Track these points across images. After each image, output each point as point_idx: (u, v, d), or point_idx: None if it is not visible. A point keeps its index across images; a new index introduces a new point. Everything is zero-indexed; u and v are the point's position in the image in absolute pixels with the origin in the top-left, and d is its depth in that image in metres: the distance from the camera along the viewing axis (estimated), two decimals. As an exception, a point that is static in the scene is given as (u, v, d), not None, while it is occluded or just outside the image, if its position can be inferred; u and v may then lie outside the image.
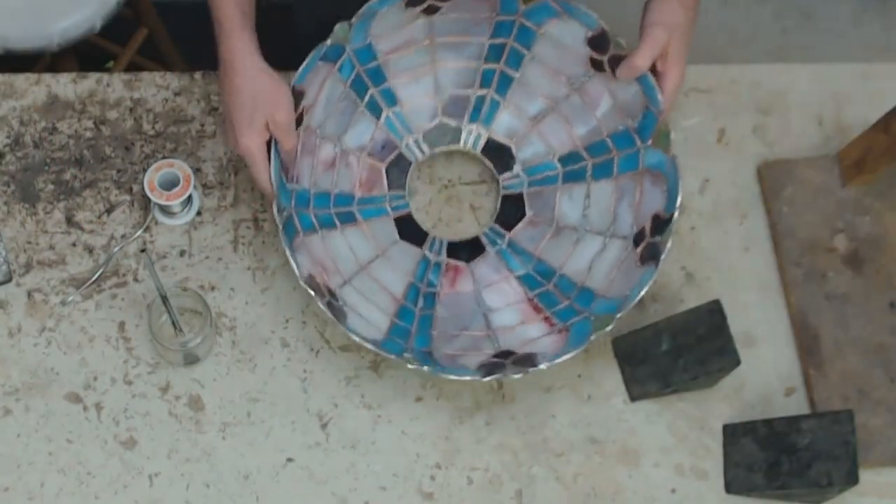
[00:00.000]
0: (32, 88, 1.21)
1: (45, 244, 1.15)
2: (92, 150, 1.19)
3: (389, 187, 1.18)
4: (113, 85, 1.22)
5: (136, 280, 1.14)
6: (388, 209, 1.17)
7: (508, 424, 1.12)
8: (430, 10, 1.13)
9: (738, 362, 1.05)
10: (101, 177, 1.18)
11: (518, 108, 1.18)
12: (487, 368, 1.04)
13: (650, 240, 1.07)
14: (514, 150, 1.18)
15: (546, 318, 1.10)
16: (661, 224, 1.06)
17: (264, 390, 1.11)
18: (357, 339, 1.03)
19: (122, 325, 1.12)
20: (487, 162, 1.19)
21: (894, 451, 1.10)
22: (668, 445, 1.12)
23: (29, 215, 1.16)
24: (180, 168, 1.12)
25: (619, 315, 1.04)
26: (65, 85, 1.21)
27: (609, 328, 1.03)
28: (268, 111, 1.03)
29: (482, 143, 1.19)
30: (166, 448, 1.09)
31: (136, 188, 1.18)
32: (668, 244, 1.04)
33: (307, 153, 1.12)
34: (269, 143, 1.05)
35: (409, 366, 1.03)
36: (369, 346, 1.02)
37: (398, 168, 1.18)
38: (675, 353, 1.08)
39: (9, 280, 1.13)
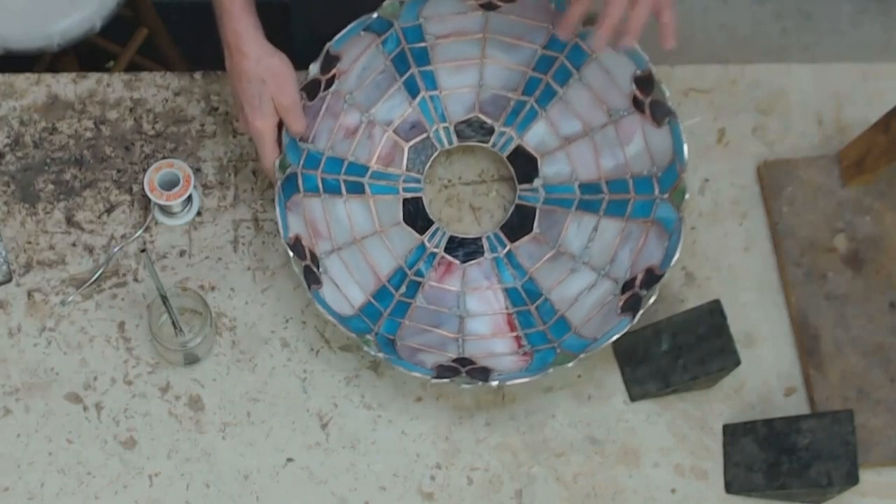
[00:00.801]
0: (32, 88, 1.21)
1: (45, 244, 1.15)
2: (92, 150, 1.19)
3: (407, 168, 1.18)
4: (113, 85, 1.22)
5: (136, 280, 1.14)
6: (400, 189, 1.17)
7: (508, 424, 1.12)
8: (489, 7, 1.13)
9: (738, 362, 1.06)
10: (101, 177, 1.18)
11: (554, 124, 1.17)
12: (440, 370, 1.05)
13: (637, 291, 1.06)
14: (539, 164, 1.18)
15: (517, 338, 1.11)
16: (652, 278, 1.05)
17: (264, 390, 1.11)
18: (324, 311, 1.04)
19: (122, 325, 1.12)
20: (510, 168, 1.18)
21: (894, 451, 1.10)
22: (668, 445, 1.12)
23: (29, 215, 1.16)
24: (180, 168, 1.12)
25: (582, 356, 1.03)
26: (65, 85, 1.21)
27: (569, 365, 1.03)
28: (275, 92, 1.04)
29: (510, 148, 1.19)
30: (166, 448, 1.09)
31: (136, 188, 1.18)
32: (651, 300, 1.03)
33: (330, 116, 1.13)
34: (280, 124, 1.07)
35: (366, 348, 1.04)
36: (333, 321, 1.04)
37: (419, 151, 1.18)
38: (675, 353, 1.08)
39: (9, 280, 1.13)
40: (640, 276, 1.07)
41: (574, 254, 1.13)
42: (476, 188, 1.21)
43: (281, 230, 1.06)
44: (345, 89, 1.13)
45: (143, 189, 1.14)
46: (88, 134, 1.20)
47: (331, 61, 1.09)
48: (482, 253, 1.16)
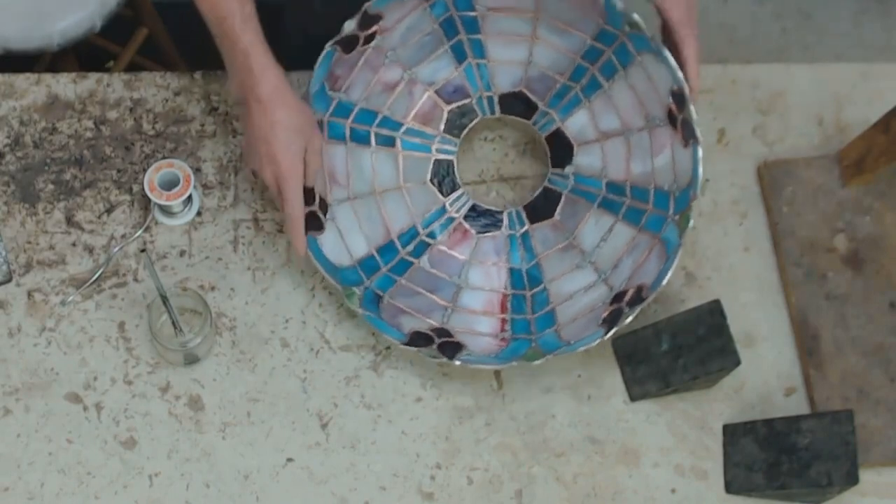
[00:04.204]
0: (32, 88, 1.21)
1: (45, 244, 1.15)
2: (92, 150, 1.19)
3: (444, 130, 1.18)
4: (113, 85, 1.22)
5: (136, 280, 1.14)
6: (433, 149, 1.18)
7: (508, 424, 1.12)
8: None
9: (738, 362, 1.06)
10: (101, 177, 1.18)
11: (595, 116, 1.17)
12: (413, 337, 1.07)
13: (622, 306, 1.06)
14: (574, 151, 1.17)
15: (503, 321, 1.11)
16: (638, 298, 1.05)
17: (264, 390, 1.11)
18: (315, 260, 1.06)
19: (122, 325, 1.12)
20: (547, 148, 1.18)
21: (894, 451, 1.11)
22: (668, 445, 1.12)
23: (29, 215, 1.16)
24: (180, 168, 1.12)
25: (549, 357, 1.04)
26: (65, 85, 1.21)
27: (535, 363, 1.04)
28: (307, 141, 1.05)
29: (550, 130, 1.19)
30: (166, 448, 1.09)
31: (136, 188, 1.18)
32: (627, 320, 1.04)
33: (369, 69, 1.14)
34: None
35: (347, 302, 1.06)
36: (322, 271, 1.06)
37: (459, 115, 1.19)
38: (675, 353, 1.08)
39: (9, 280, 1.13)
40: (630, 292, 1.07)
41: (585, 250, 1.14)
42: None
43: None
44: (387, 45, 1.14)
45: (143, 189, 1.14)
46: (88, 134, 1.20)
47: (370, 20, 1.10)
48: (500, 227, 1.16)
